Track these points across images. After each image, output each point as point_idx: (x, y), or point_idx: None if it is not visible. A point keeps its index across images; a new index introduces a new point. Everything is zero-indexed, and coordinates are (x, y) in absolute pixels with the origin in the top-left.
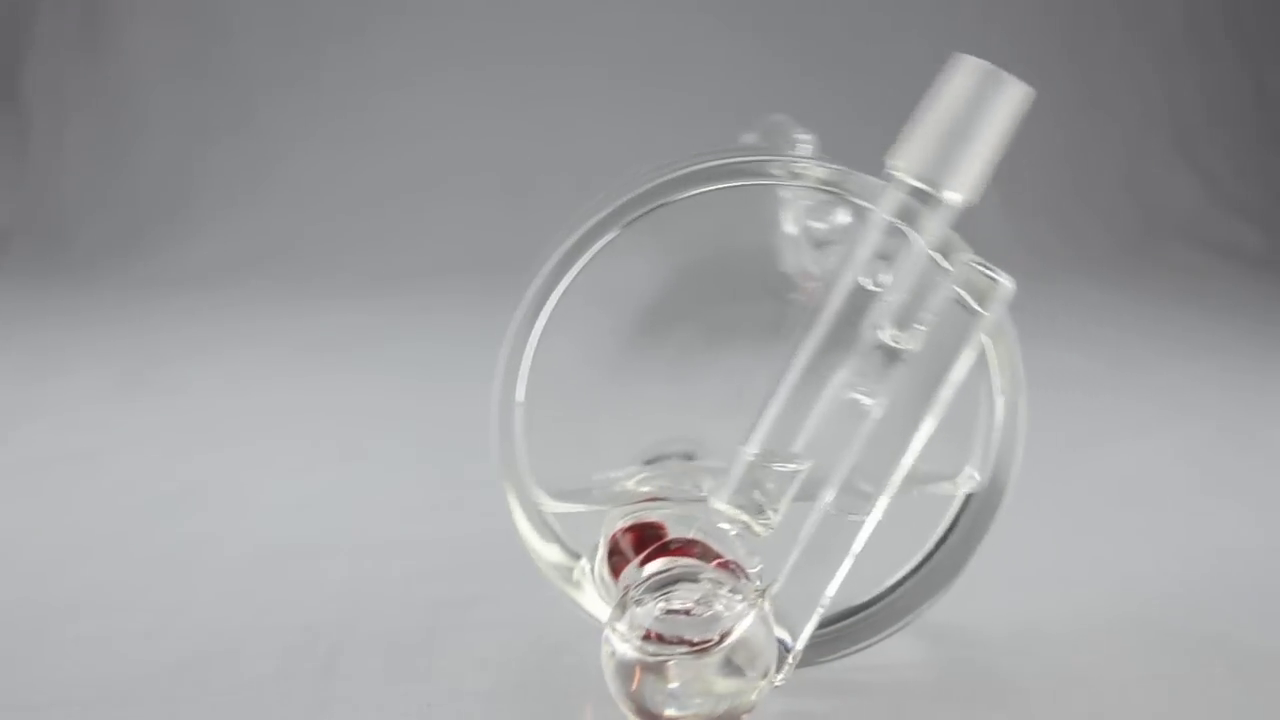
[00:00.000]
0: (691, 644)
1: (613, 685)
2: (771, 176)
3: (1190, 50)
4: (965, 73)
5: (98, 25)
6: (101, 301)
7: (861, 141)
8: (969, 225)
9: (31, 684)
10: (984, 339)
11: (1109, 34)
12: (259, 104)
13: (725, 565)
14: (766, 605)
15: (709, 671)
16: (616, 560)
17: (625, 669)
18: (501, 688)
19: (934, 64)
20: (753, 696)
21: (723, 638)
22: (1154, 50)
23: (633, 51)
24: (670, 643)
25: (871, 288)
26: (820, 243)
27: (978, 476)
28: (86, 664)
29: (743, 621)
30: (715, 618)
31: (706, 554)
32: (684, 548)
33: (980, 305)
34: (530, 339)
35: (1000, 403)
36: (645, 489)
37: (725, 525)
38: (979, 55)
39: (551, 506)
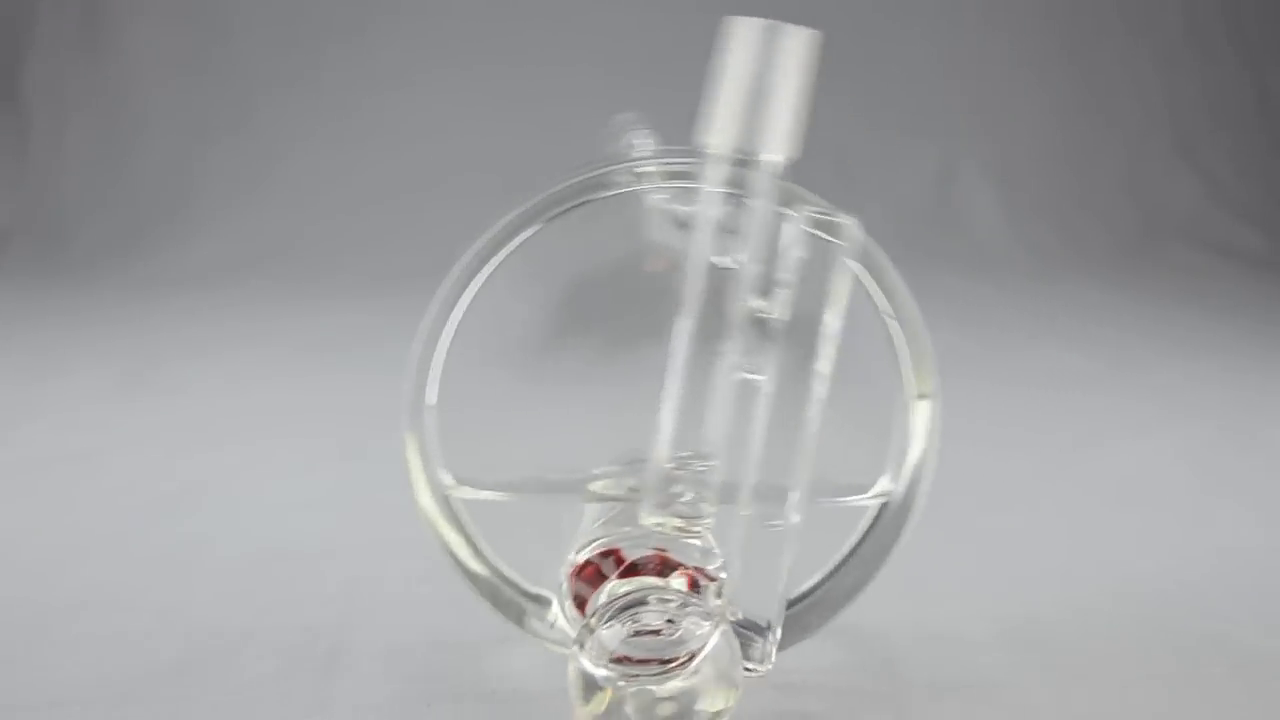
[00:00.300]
0: (662, 663)
1: (581, 711)
2: (618, 185)
3: (1191, 53)
4: (744, 34)
5: (98, 25)
6: (101, 301)
7: (863, 141)
8: (970, 226)
9: (31, 684)
10: (890, 324)
11: (1110, 36)
12: (259, 104)
13: (687, 575)
14: (729, 617)
15: (673, 691)
16: (580, 597)
17: (593, 690)
18: (501, 688)
19: (936, 65)
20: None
21: (691, 656)
22: (1155, 53)
23: (633, 51)
24: (640, 663)
25: (729, 264)
26: (684, 224)
27: (891, 487)
28: (86, 664)
29: (710, 638)
30: (683, 637)
31: (668, 566)
32: (648, 564)
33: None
34: (441, 342)
35: (916, 410)
36: (611, 493)
37: (663, 534)
38: (981, 56)
39: (460, 492)
